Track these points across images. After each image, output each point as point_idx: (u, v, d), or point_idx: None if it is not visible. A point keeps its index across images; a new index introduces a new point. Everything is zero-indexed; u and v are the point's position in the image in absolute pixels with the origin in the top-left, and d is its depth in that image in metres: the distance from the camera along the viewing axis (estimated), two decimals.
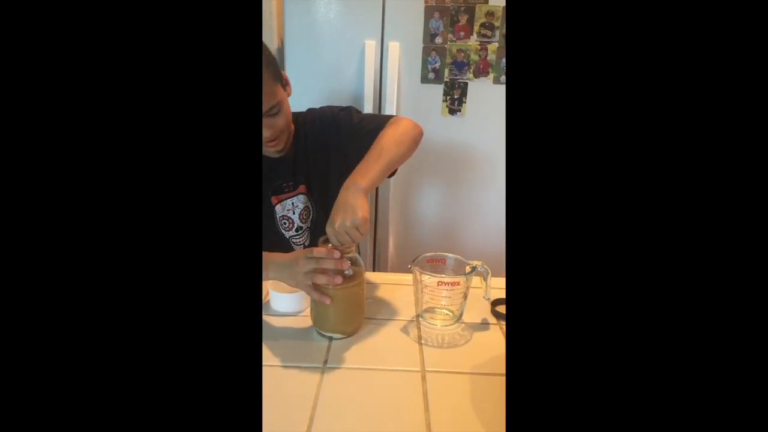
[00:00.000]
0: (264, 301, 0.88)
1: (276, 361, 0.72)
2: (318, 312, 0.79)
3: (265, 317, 0.84)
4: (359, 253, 0.83)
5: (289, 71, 1.47)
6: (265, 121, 0.88)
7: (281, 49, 1.63)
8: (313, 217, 1.04)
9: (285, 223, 1.03)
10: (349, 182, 0.79)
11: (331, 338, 0.78)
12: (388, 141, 0.87)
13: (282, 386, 0.67)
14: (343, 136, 0.97)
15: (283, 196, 1.02)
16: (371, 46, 1.40)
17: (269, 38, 1.62)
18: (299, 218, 1.03)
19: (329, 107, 1.03)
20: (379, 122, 0.93)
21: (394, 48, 1.39)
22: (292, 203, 1.02)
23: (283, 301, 0.85)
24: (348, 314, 0.79)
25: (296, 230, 1.04)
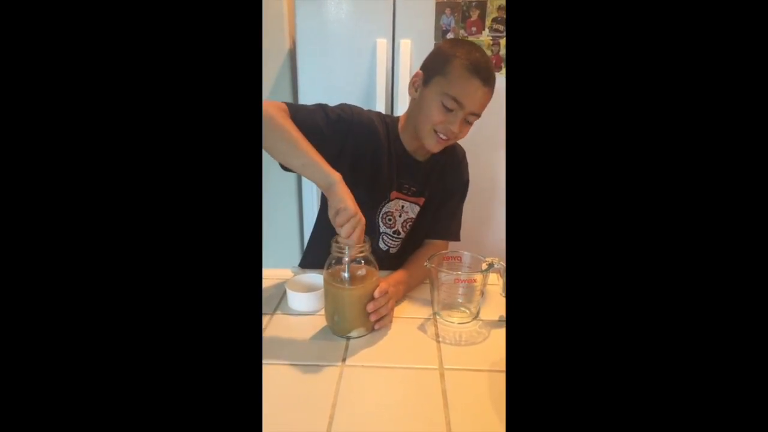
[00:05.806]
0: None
1: (295, 360, 0.73)
2: (331, 315, 0.80)
3: (282, 316, 0.85)
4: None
5: (302, 72, 1.48)
6: (463, 116, 0.89)
7: (293, 50, 1.64)
8: (409, 230, 1.04)
9: (389, 220, 1.01)
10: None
11: (348, 337, 0.79)
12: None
13: (301, 384, 0.68)
14: (456, 177, 1.06)
15: (401, 196, 1.01)
16: (383, 44, 1.40)
17: (281, 40, 1.63)
18: (402, 224, 1.03)
19: (463, 152, 1.08)
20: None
21: (405, 45, 1.39)
22: (403, 206, 1.01)
23: (301, 300, 0.86)
24: (362, 314, 0.78)
25: (394, 232, 1.02)
